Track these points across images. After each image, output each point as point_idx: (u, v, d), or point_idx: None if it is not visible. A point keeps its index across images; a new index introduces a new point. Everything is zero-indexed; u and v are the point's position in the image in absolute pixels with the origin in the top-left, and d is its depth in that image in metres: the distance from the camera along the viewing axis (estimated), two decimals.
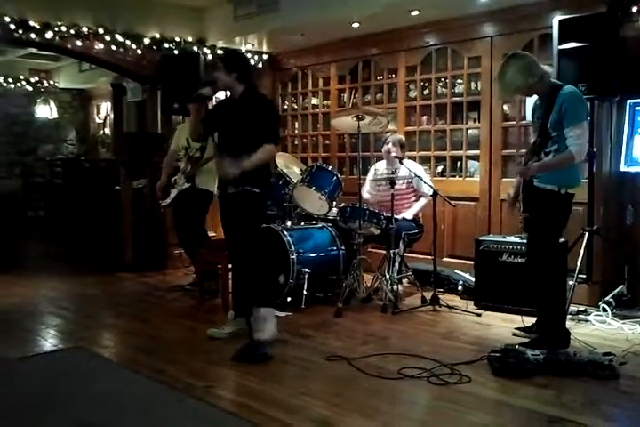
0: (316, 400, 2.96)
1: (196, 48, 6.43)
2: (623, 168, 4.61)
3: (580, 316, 4.35)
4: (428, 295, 4.79)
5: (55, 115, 10.08)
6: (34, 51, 7.69)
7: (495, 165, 5.46)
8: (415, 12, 5.39)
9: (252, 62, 6.83)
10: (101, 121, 10.24)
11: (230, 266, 4.29)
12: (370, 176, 5.49)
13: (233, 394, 3.16)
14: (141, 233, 6.45)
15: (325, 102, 6.99)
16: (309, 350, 3.73)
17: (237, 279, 4.05)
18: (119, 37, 6.05)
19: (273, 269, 4.76)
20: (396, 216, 4.85)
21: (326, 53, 6.76)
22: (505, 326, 4.21)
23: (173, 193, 5.40)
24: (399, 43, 6.09)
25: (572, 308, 4.32)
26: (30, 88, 9.65)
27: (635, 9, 4.45)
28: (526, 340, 3.74)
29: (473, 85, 5.69)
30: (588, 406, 2.86)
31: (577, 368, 3.21)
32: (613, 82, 4.33)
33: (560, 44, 4.40)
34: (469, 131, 5.74)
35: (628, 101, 4.55)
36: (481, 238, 4.80)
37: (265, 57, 7.13)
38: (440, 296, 4.79)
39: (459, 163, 5.84)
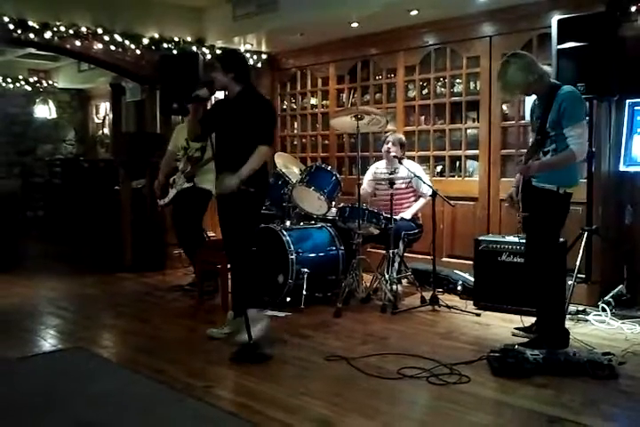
0: (315, 400, 2.96)
1: (195, 48, 6.44)
2: (622, 168, 4.62)
3: (579, 316, 4.35)
4: (428, 295, 4.79)
5: (54, 115, 10.08)
6: (33, 51, 7.69)
7: (494, 164, 5.46)
8: (414, 12, 5.39)
9: (251, 62, 6.83)
10: (100, 121, 10.24)
11: (229, 266, 4.29)
12: (369, 176, 5.48)
13: (232, 394, 3.17)
14: (141, 233, 6.45)
15: (324, 102, 6.99)
16: (309, 350, 3.73)
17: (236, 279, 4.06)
18: (118, 37, 6.05)
19: (267, 270, 4.78)
20: (394, 216, 4.85)
21: (325, 53, 6.77)
22: (504, 326, 4.22)
23: (172, 193, 5.41)
24: (398, 43, 6.09)
25: (572, 308, 4.32)
26: (29, 88, 9.65)
27: (633, 8, 4.45)
28: (525, 340, 3.75)
29: (472, 85, 5.69)
30: (588, 406, 2.87)
31: (576, 368, 3.22)
32: (612, 81, 4.33)
33: (559, 43, 4.40)
34: (468, 131, 5.74)
35: (627, 101, 4.55)
36: (480, 238, 4.81)
37: (264, 57, 7.14)
38: (439, 296, 4.79)
39: (458, 163, 5.84)
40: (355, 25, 5.83)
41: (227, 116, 3.75)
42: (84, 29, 5.86)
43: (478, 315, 4.56)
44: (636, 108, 4.54)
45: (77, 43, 5.92)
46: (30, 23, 5.57)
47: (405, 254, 5.09)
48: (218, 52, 6.45)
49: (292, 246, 4.74)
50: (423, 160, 6.00)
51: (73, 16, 5.82)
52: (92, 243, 7.62)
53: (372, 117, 4.92)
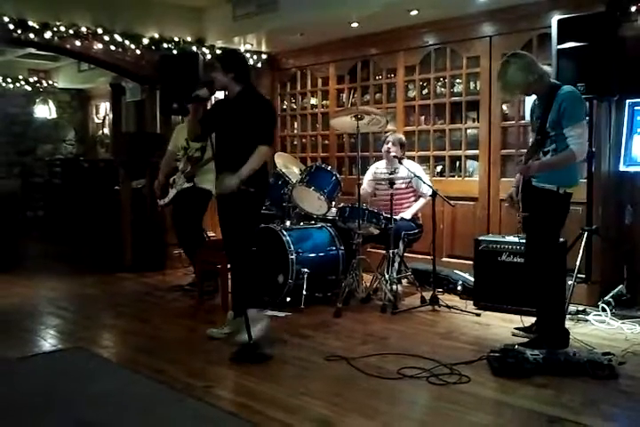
0: (315, 400, 2.96)
1: (195, 48, 6.44)
2: (622, 168, 4.62)
3: (579, 316, 4.35)
4: (428, 295, 4.79)
5: (54, 115, 10.08)
6: (33, 51, 7.69)
7: (494, 164, 5.46)
8: (414, 12, 5.39)
9: (252, 62, 6.83)
10: (100, 121, 10.23)
11: (229, 266, 4.29)
12: (369, 176, 5.48)
13: (232, 394, 3.16)
14: (141, 233, 6.45)
15: (324, 102, 6.99)
16: (309, 350, 3.73)
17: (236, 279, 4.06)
18: (118, 37, 6.05)
19: (267, 270, 4.78)
20: (394, 217, 4.85)
21: (325, 53, 6.77)
22: (504, 326, 4.22)
23: (172, 193, 5.41)
24: (398, 43, 6.09)
25: (572, 308, 4.32)
26: (29, 88, 9.65)
27: (633, 8, 4.45)
28: (525, 340, 3.74)
29: (472, 85, 5.69)
30: (588, 406, 2.87)
31: (576, 368, 3.22)
32: (612, 81, 4.33)
33: (559, 43, 4.40)
34: (468, 131, 5.74)
35: (627, 101, 4.55)
36: (480, 238, 4.81)
37: (264, 57, 7.14)
38: (439, 296, 4.79)
39: (458, 163, 5.84)
40: (355, 25, 5.83)
41: (227, 117, 3.75)
42: (84, 29, 5.86)
43: (478, 315, 4.56)
44: (635, 108, 4.54)
45: (77, 43, 5.92)
46: (30, 23, 5.57)
47: (405, 254, 5.08)
48: (218, 52, 6.44)
49: (292, 246, 4.74)
50: (423, 160, 6.00)
51: (73, 16, 5.82)
52: (92, 243, 7.62)
53: (372, 117, 4.92)
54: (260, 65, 7.11)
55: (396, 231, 4.82)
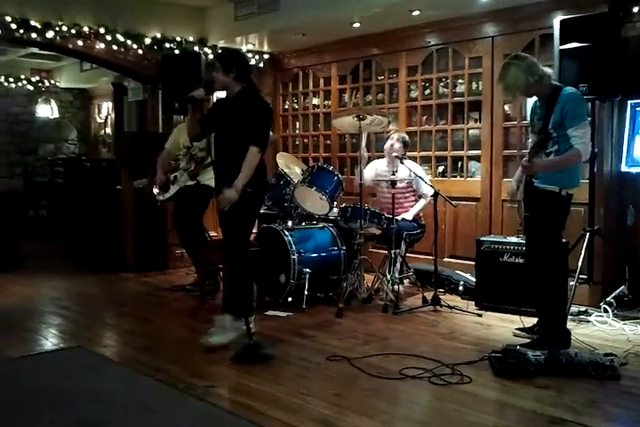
0: (316, 400, 2.96)
1: (197, 48, 6.45)
2: (624, 169, 4.61)
3: (580, 316, 4.35)
4: (429, 296, 4.79)
5: (56, 114, 10.08)
6: (35, 50, 7.71)
7: (496, 165, 5.46)
8: (416, 12, 5.39)
9: (253, 62, 6.84)
10: (102, 121, 10.25)
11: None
12: (370, 172, 5.38)
13: (233, 394, 3.16)
14: (143, 233, 6.46)
15: (326, 102, 6.99)
16: (310, 350, 3.73)
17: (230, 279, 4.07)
18: (120, 37, 6.06)
19: (269, 270, 4.78)
20: (395, 217, 4.85)
21: (327, 53, 6.77)
22: (506, 327, 4.22)
23: (173, 189, 5.39)
24: (400, 43, 6.10)
25: (573, 308, 4.32)
26: (31, 88, 9.67)
27: (636, 9, 4.45)
28: (527, 340, 3.75)
29: (474, 86, 5.68)
30: (589, 407, 2.86)
31: (578, 369, 3.21)
32: (614, 82, 4.33)
33: (561, 44, 4.40)
34: (470, 131, 5.74)
35: (629, 102, 4.55)
36: (482, 239, 4.80)
37: (266, 57, 7.14)
38: (441, 296, 4.79)
39: (460, 163, 5.83)
40: (357, 25, 5.82)
41: (225, 116, 3.76)
42: (86, 29, 5.87)
43: (480, 315, 4.56)
44: (638, 108, 4.54)
45: (80, 42, 5.93)
46: (32, 23, 5.58)
47: (407, 255, 5.09)
48: (220, 51, 6.45)
49: (293, 246, 4.74)
50: (425, 160, 6.00)
51: (75, 16, 5.83)
52: (95, 242, 7.63)
53: (374, 118, 4.91)
54: (262, 65, 7.11)
55: (398, 231, 4.82)
